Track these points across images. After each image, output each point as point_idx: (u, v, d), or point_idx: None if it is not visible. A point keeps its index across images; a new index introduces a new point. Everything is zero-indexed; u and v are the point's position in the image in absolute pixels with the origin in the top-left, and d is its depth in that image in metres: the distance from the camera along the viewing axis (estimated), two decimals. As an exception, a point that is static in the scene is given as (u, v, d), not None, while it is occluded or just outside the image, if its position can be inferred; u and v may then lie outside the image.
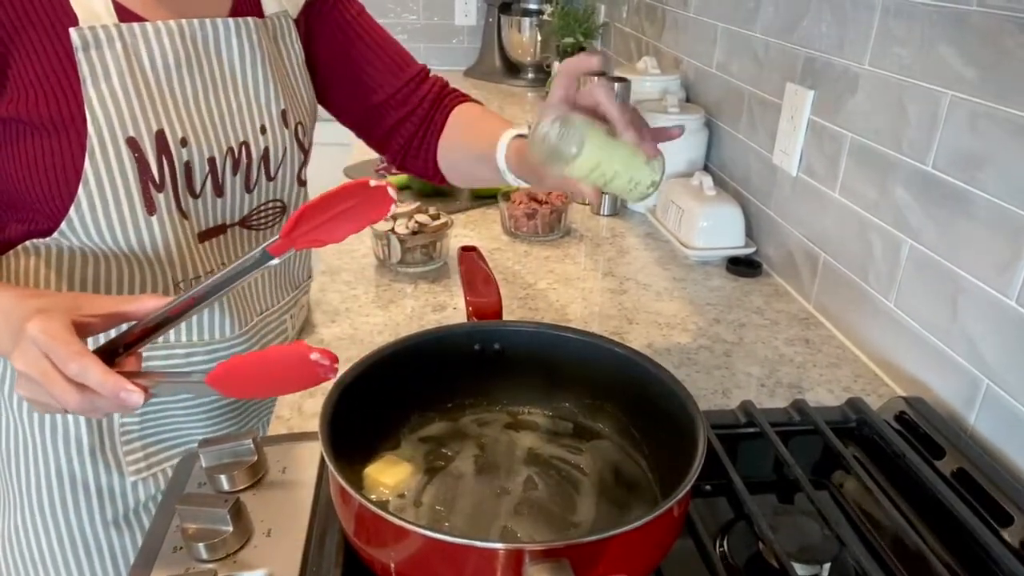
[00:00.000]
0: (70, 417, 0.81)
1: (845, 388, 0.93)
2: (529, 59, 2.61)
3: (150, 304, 0.60)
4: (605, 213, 1.46)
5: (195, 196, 0.77)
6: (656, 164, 0.70)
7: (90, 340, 0.61)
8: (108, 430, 0.83)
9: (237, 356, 0.55)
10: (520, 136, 0.82)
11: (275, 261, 0.59)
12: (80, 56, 0.68)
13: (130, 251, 0.75)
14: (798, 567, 0.61)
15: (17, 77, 0.67)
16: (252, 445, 0.65)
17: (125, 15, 0.71)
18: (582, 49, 1.71)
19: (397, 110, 0.95)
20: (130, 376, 0.57)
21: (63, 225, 0.72)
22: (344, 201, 0.58)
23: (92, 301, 0.60)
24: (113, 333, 0.63)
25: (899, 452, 0.75)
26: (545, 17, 2.40)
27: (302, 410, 0.84)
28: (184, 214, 0.76)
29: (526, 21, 2.55)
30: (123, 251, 0.75)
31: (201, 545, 0.57)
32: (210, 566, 0.57)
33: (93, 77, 0.68)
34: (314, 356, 0.52)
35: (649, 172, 0.70)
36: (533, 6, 2.55)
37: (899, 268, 0.93)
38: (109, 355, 0.61)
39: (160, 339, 0.79)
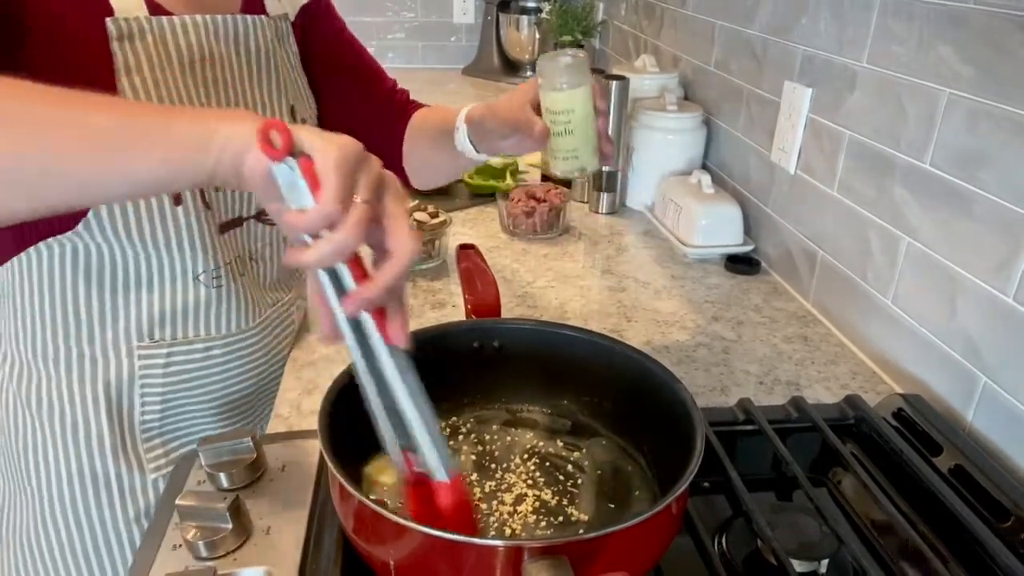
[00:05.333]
0: (91, 415, 0.81)
1: (843, 385, 0.93)
2: (527, 57, 2.61)
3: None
4: (604, 211, 1.46)
5: (217, 189, 0.78)
6: (598, 160, 0.78)
7: None
8: (129, 427, 0.83)
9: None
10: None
11: None
12: (115, 46, 0.68)
13: (153, 242, 0.75)
14: (796, 564, 0.61)
15: (56, 64, 0.67)
16: (251, 443, 0.66)
17: (153, 8, 0.72)
18: (580, 47, 1.70)
19: (374, 123, 0.98)
20: None
21: (89, 215, 0.72)
22: None
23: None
24: None
25: (897, 449, 0.75)
26: (543, 15, 2.40)
27: (301, 408, 0.84)
28: (207, 204, 0.78)
29: (524, 19, 2.55)
30: (146, 242, 0.75)
31: (201, 543, 0.57)
32: (210, 564, 0.57)
33: (126, 68, 0.69)
34: None
35: (591, 157, 0.77)
36: (531, 4, 2.55)
37: (897, 266, 0.93)
38: None
39: (180, 335, 0.80)
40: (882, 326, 0.96)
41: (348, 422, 0.62)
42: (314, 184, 0.48)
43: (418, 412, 0.54)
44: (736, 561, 0.66)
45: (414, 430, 0.54)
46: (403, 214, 0.51)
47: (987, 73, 0.78)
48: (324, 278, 0.51)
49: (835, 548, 0.64)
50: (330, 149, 0.48)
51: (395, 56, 2.79)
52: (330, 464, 0.55)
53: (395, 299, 0.52)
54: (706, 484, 0.74)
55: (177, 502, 0.59)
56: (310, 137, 0.49)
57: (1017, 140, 0.74)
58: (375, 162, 0.51)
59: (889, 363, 0.95)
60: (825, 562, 0.63)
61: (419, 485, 0.56)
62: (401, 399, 0.53)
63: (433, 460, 0.55)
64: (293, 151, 0.48)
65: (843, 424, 0.80)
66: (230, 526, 0.58)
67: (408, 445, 0.55)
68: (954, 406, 0.84)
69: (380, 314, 0.52)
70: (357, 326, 0.52)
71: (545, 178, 1.58)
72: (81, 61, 0.68)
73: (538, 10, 2.51)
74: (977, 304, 0.80)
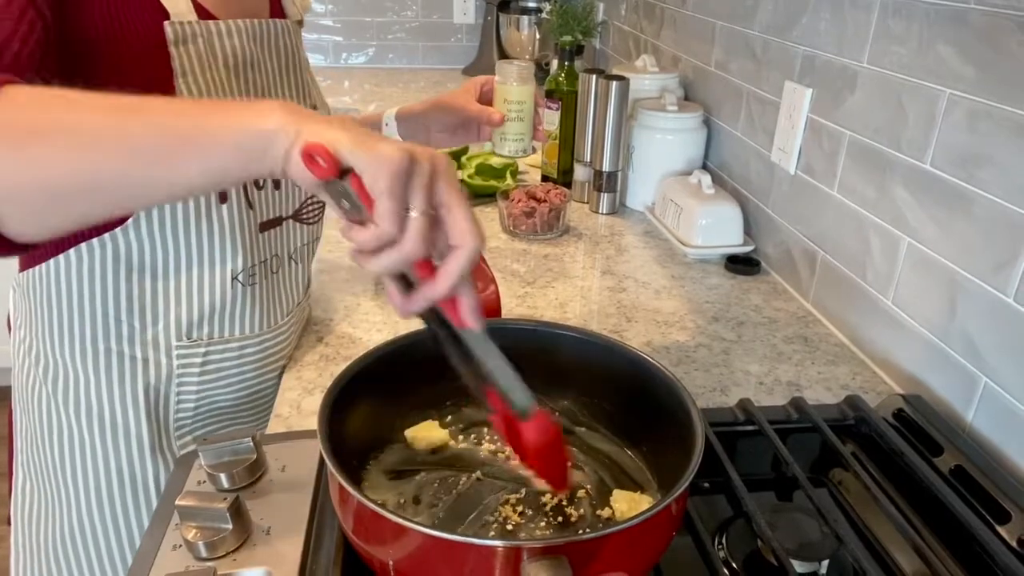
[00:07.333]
0: (131, 415, 0.81)
1: (843, 386, 0.93)
2: (528, 57, 2.61)
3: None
4: (604, 211, 1.46)
5: (259, 188, 0.80)
6: (532, 146, 1.05)
7: None
8: (164, 425, 0.84)
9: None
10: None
11: None
12: (172, 50, 0.69)
13: (197, 240, 0.76)
14: (796, 564, 0.61)
15: (118, 67, 0.67)
16: (251, 443, 0.66)
17: (199, 12, 0.73)
18: (580, 47, 1.71)
19: None
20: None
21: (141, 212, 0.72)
22: None
23: None
24: None
25: (897, 449, 0.75)
26: (544, 15, 2.40)
27: (301, 408, 0.84)
28: (250, 204, 0.79)
29: (524, 19, 2.55)
30: (191, 239, 0.76)
31: (201, 543, 0.57)
32: (209, 564, 0.57)
33: (182, 71, 0.70)
34: None
35: (529, 141, 1.03)
36: (532, 4, 2.55)
37: (897, 266, 0.93)
38: None
39: (216, 334, 0.82)
40: (882, 326, 0.96)
41: (348, 422, 0.62)
42: (367, 200, 0.49)
43: (493, 365, 0.57)
44: (736, 561, 0.66)
45: (492, 379, 0.57)
46: (460, 205, 0.51)
47: (987, 73, 0.78)
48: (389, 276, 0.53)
49: (835, 548, 0.64)
50: (378, 167, 0.48)
51: (395, 57, 2.79)
52: (330, 464, 0.55)
53: (463, 285, 0.53)
54: (706, 484, 0.74)
55: (177, 502, 0.59)
56: (356, 153, 0.48)
57: (1017, 140, 0.74)
58: (424, 164, 0.49)
59: (889, 363, 0.95)
60: (825, 562, 0.63)
61: (510, 421, 0.60)
62: (475, 354, 0.56)
63: (513, 402, 0.58)
64: (340, 170, 0.48)
65: (843, 424, 0.80)
66: (230, 526, 0.58)
67: (489, 386, 0.59)
68: (954, 406, 0.84)
69: (450, 300, 0.53)
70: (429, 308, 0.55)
71: (545, 178, 1.59)
72: (143, 64, 0.68)
73: (538, 10, 2.51)
74: (977, 304, 0.80)
